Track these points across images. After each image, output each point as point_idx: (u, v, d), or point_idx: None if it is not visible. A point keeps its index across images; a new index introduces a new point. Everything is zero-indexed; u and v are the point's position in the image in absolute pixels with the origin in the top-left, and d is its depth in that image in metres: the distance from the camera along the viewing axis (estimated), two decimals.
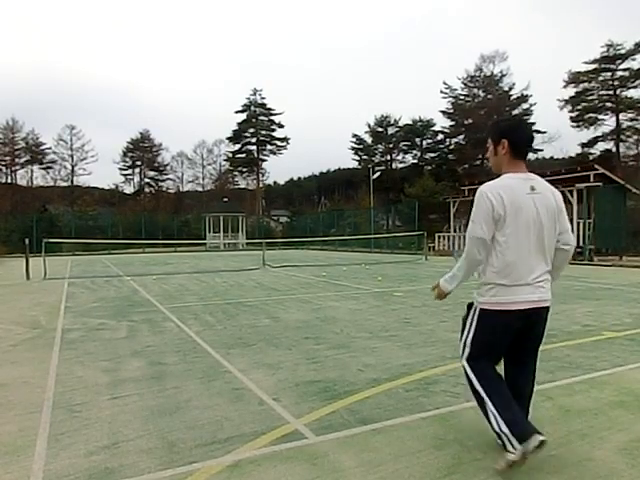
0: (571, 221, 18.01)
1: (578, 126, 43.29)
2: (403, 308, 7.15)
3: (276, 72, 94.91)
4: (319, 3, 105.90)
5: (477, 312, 2.51)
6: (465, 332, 2.56)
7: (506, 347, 2.48)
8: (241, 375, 3.89)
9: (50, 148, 53.93)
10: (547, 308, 2.45)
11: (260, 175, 61.00)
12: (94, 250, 29.54)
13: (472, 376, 2.48)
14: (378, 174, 34.87)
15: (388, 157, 55.47)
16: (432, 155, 53.61)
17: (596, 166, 19.13)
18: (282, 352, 4.64)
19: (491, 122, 2.82)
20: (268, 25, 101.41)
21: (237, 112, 59.71)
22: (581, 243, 17.54)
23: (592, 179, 18.43)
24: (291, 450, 2.53)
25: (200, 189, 63.04)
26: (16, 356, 4.64)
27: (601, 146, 43.15)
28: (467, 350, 2.52)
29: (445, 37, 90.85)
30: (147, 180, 61.27)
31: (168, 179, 62.20)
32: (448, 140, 51.92)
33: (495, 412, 2.31)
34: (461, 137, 49.98)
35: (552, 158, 53.08)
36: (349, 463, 2.38)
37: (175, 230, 36.47)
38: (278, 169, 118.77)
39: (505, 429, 2.24)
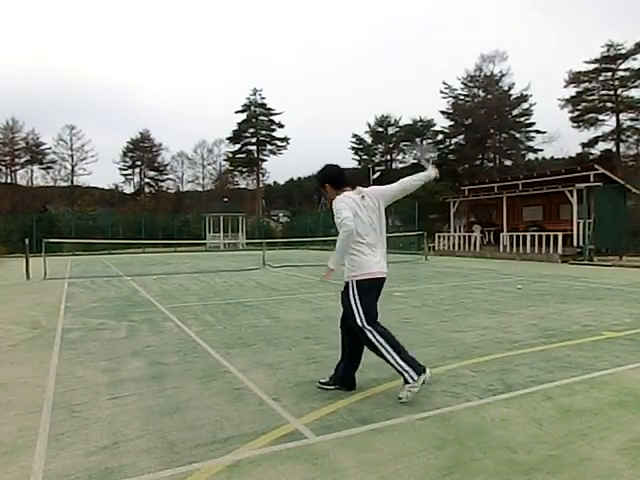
0: (571, 221, 18.05)
1: (578, 126, 43.33)
2: (403, 308, 7.15)
3: (276, 72, 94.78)
4: (319, 3, 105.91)
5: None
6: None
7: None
8: (241, 375, 3.89)
9: (50, 148, 54.04)
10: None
11: (260, 175, 61.05)
12: (94, 250, 29.53)
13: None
14: (378, 174, 34.84)
15: (388, 157, 55.50)
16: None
17: (596, 166, 19.13)
18: (282, 352, 4.64)
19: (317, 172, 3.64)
20: (268, 25, 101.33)
21: (237, 112, 59.77)
22: (581, 243, 17.54)
23: (592, 179, 18.43)
24: (291, 450, 2.53)
25: (200, 189, 63.10)
26: (16, 356, 4.64)
27: (601, 146, 43.23)
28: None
29: (445, 37, 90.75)
30: (147, 180, 61.34)
31: (168, 179, 62.31)
32: (448, 140, 51.91)
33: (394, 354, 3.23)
34: (461, 137, 49.97)
35: (552, 158, 53.07)
36: (349, 463, 2.38)
37: (175, 230, 36.44)
38: (278, 169, 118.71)
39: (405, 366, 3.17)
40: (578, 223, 17.75)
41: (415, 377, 3.13)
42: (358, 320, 3.31)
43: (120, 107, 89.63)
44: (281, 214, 58.82)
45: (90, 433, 2.79)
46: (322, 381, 3.57)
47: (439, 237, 24.16)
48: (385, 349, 3.23)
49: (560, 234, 17.70)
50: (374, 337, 3.26)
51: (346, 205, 3.29)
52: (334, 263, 3.30)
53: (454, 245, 22.97)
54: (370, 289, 3.38)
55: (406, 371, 3.16)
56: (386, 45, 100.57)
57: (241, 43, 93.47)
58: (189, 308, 7.43)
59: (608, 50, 40.48)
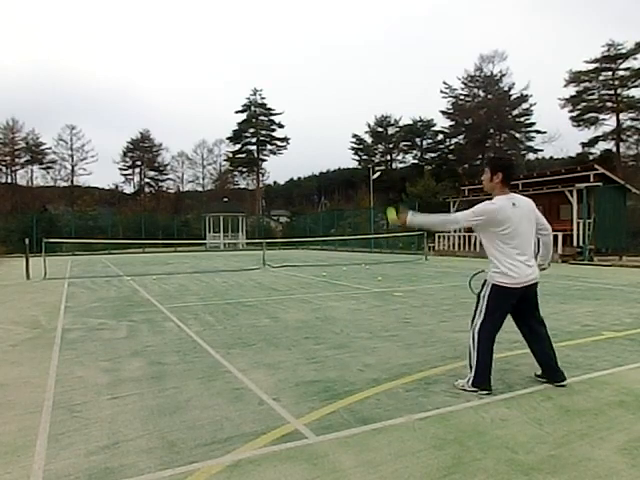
0: (571, 221, 18.04)
1: (579, 126, 43.36)
2: (403, 308, 7.15)
3: (276, 72, 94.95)
4: (319, 4, 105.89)
5: None
6: None
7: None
8: (241, 375, 3.89)
9: (50, 148, 54.11)
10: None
11: (260, 175, 61.07)
12: (94, 250, 29.53)
13: None
14: (378, 174, 34.80)
15: (388, 157, 55.54)
16: (432, 155, 53.67)
17: (596, 166, 19.13)
18: (282, 352, 4.64)
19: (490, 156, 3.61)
20: (268, 25, 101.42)
21: (237, 112, 59.85)
22: (581, 243, 17.53)
23: (592, 179, 18.42)
24: (291, 450, 2.53)
25: (200, 189, 63.15)
26: (16, 356, 4.64)
27: (601, 146, 43.26)
28: None
29: (445, 37, 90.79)
30: (147, 180, 61.40)
31: (168, 179, 62.39)
32: (448, 140, 51.93)
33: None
34: (461, 137, 50.01)
35: (552, 158, 53.11)
36: (349, 463, 2.38)
37: (175, 230, 36.44)
38: (278, 169, 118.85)
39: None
40: (578, 223, 17.74)
41: (470, 387, 3.37)
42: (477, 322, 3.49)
43: (120, 107, 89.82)
44: (281, 216, 58.81)
45: (90, 433, 2.79)
46: (537, 373, 3.67)
47: (439, 237, 24.15)
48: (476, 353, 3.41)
49: (560, 234, 17.69)
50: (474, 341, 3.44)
51: (488, 215, 3.33)
52: (416, 220, 3.47)
53: (454, 245, 22.96)
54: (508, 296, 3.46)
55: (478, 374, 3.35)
56: (386, 45, 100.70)
57: (241, 43, 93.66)
58: (189, 308, 7.43)
59: (608, 50, 40.52)
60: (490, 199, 3.45)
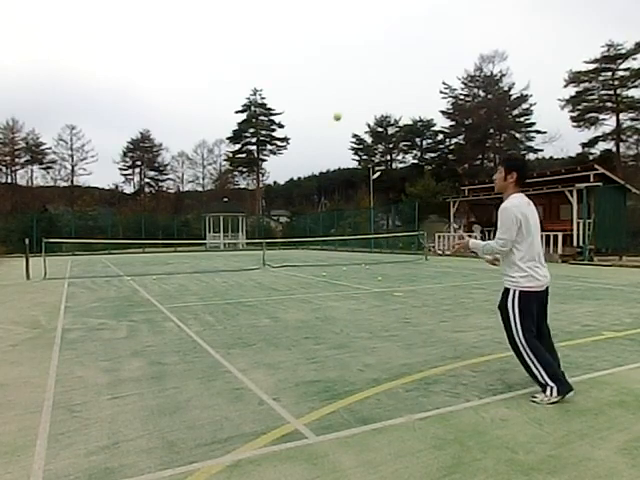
0: (571, 221, 18.04)
1: (579, 126, 43.33)
2: (403, 308, 7.14)
3: (276, 72, 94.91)
4: (319, 4, 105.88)
5: None
6: None
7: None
8: (241, 375, 3.89)
9: (50, 148, 54.06)
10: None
11: (260, 175, 61.05)
12: (94, 250, 29.52)
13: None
14: (378, 174, 34.76)
15: (388, 157, 55.49)
16: (432, 155, 53.62)
17: (596, 166, 19.13)
18: (282, 352, 4.64)
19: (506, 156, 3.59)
20: (268, 25, 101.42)
21: (237, 112, 59.80)
22: (581, 243, 17.53)
23: (592, 179, 18.42)
24: (291, 450, 2.53)
25: (200, 189, 63.14)
26: (16, 356, 4.64)
27: (601, 146, 43.22)
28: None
29: (445, 37, 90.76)
30: (147, 180, 61.36)
31: (168, 179, 62.36)
32: (448, 140, 51.90)
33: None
34: (461, 137, 49.98)
35: (552, 158, 53.06)
36: (349, 463, 2.38)
37: (175, 230, 36.43)
38: (278, 169, 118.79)
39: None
40: (578, 223, 17.74)
41: (556, 396, 3.17)
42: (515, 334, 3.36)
43: (120, 107, 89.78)
44: (281, 216, 58.83)
45: (90, 433, 2.79)
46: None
47: (439, 237, 24.15)
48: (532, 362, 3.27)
49: (560, 234, 17.69)
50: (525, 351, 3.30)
51: (514, 217, 3.22)
52: (477, 248, 3.49)
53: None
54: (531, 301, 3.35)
55: (550, 387, 3.19)
56: (386, 45, 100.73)
57: (241, 43, 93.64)
58: (189, 308, 7.43)
59: (608, 50, 40.49)
60: (494, 199, 3.49)
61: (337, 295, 8.72)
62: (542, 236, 15.94)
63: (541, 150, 49.30)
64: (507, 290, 3.34)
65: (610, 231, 17.97)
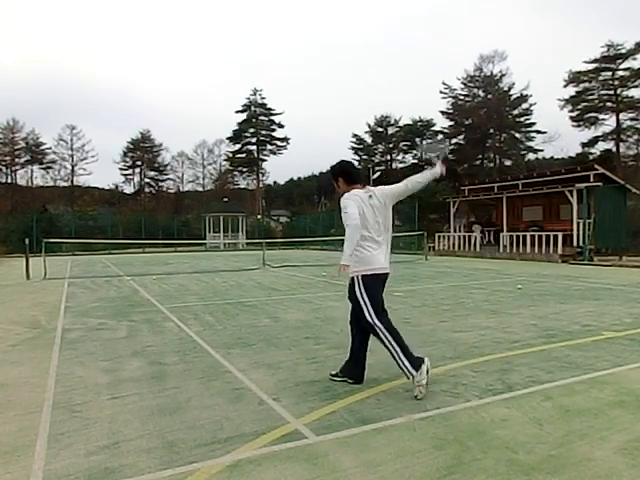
0: (571, 221, 18.04)
1: (578, 126, 43.33)
2: (403, 308, 7.14)
3: (276, 72, 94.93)
4: (319, 4, 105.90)
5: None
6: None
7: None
8: (241, 375, 3.89)
9: (50, 148, 54.01)
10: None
11: (260, 175, 61.03)
12: (94, 250, 29.51)
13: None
14: (378, 174, 34.80)
15: (388, 157, 55.48)
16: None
17: (596, 166, 19.11)
18: (282, 352, 4.64)
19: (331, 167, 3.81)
20: (268, 25, 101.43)
21: (237, 112, 59.75)
22: (581, 243, 17.53)
23: (592, 179, 18.41)
24: (291, 450, 2.53)
25: (200, 189, 63.08)
26: (16, 356, 4.64)
27: (601, 146, 43.21)
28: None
29: (445, 37, 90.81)
30: (147, 180, 61.29)
31: (168, 179, 62.28)
32: (448, 140, 51.81)
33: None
34: (461, 137, 49.94)
35: (552, 158, 53.03)
36: (349, 463, 2.38)
37: (175, 230, 36.43)
38: (278, 169, 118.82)
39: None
40: (578, 223, 17.73)
41: (413, 372, 3.29)
42: (368, 316, 3.45)
43: (120, 107, 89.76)
44: (281, 216, 58.78)
45: (90, 433, 2.79)
46: (332, 372, 3.76)
47: (439, 237, 24.15)
48: (392, 346, 3.39)
49: (560, 234, 17.70)
50: (383, 334, 3.43)
51: (352, 202, 3.42)
52: (346, 259, 3.37)
53: (454, 245, 22.96)
54: (375, 283, 3.50)
55: (405, 367, 3.32)
56: (386, 45, 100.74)
57: (241, 43, 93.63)
58: (189, 308, 7.43)
59: (608, 50, 40.48)
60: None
61: (337, 295, 8.72)
62: (542, 236, 16.00)
63: (541, 150, 49.31)
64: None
65: (610, 231, 17.97)
